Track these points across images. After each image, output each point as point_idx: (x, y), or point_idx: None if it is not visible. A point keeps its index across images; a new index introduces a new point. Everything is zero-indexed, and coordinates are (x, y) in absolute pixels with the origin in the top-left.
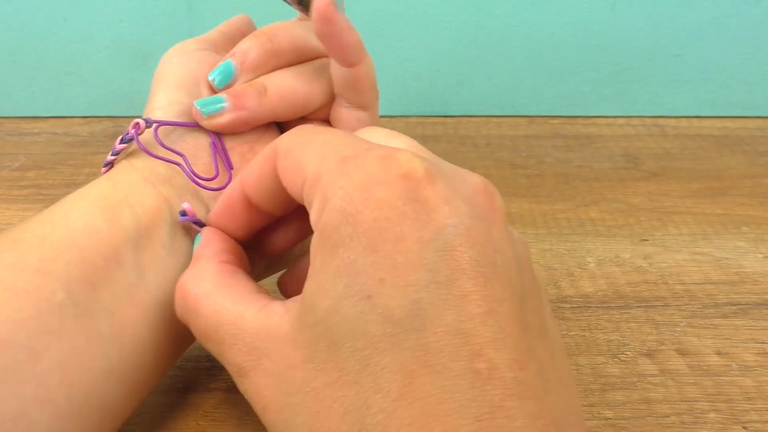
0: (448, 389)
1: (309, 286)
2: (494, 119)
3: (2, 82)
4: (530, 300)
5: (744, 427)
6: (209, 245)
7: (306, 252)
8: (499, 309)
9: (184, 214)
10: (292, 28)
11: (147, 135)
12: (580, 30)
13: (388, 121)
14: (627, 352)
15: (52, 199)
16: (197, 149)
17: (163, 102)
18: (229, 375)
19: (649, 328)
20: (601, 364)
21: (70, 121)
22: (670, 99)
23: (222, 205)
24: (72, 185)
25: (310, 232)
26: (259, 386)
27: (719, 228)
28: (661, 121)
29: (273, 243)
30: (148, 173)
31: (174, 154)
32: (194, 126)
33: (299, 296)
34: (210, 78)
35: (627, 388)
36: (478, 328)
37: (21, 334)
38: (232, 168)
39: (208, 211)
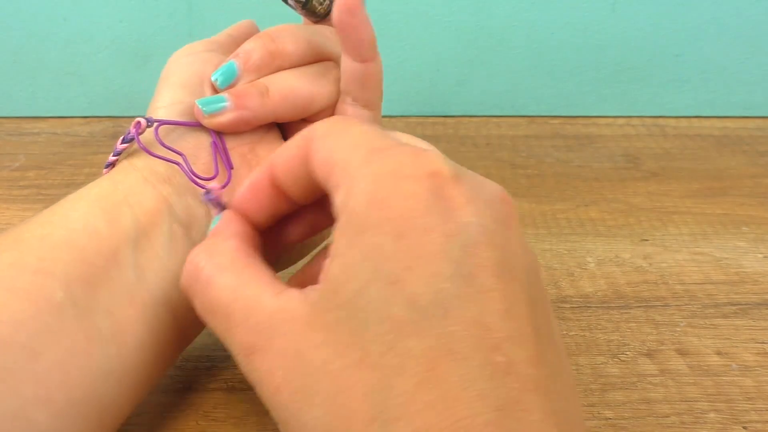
0: (470, 377)
1: (333, 269)
2: (494, 119)
3: (2, 82)
4: (539, 306)
5: (744, 427)
6: (229, 225)
7: (316, 255)
8: (517, 309)
9: (208, 193)
10: (296, 31)
11: (148, 134)
12: (580, 30)
13: (388, 121)
14: (627, 352)
15: (52, 199)
16: (198, 149)
17: (167, 101)
18: (229, 375)
19: (649, 328)
20: (601, 364)
21: (70, 121)
22: (670, 99)
23: (248, 187)
24: (72, 185)
25: (321, 227)
26: (271, 367)
27: (719, 228)
28: (661, 121)
29: (285, 235)
30: (149, 173)
31: (174, 154)
32: (196, 125)
33: (316, 285)
34: (213, 78)
35: (627, 388)
36: (497, 323)
37: (20, 333)
38: (232, 168)
39: (206, 210)
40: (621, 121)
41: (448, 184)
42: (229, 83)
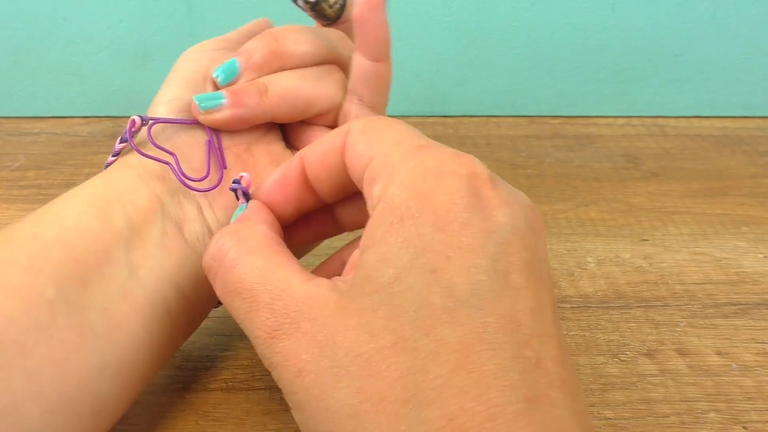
0: (503, 368)
1: (368, 257)
2: (494, 119)
3: (2, 82)
4: (556, 310)
5: (744, 427)
6: (258, 213)
7: (338, 252)
8: (544, 309)
9: (237, 181)
10: (301, 32)
11: (144, 132)
12: (580, 30)
13: None
14: (627, 352)
15: (52, 200)
16: (192, 147)
17: (168, 97)
18: (229, 375)
19: (649, 328)
20: (601, 364)
21: (70, 121)
22: (670, 99)
23: (277, 177)
24: (72, 185)
25: (323, 235)
26: (296, 349)
27: (719, 228)
28: (661, 121)
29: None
30: (143, 171)
31: (165, 153)
32: (191, 123)
33: (343, 276)
34: (214, 75)
35: (627, 388)
36: (527, 320)
37: (11, 329)
38: (225, 168)
39: (199, 208)
40: (621, 121)
41: (486, 185)
42: (230, 80)
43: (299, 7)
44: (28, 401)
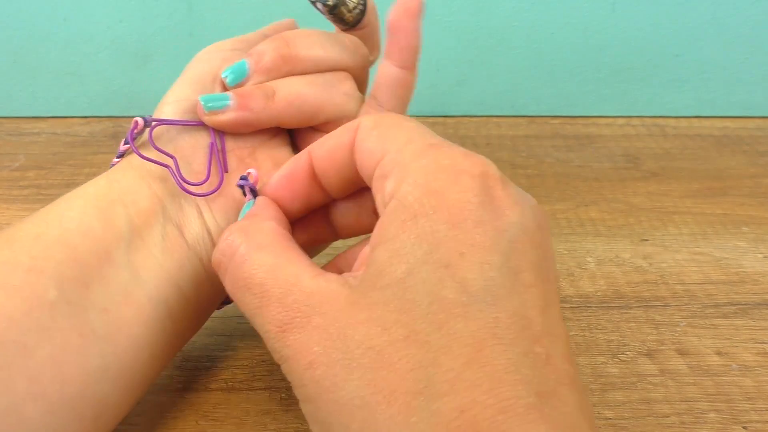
0: (514, 363)
1: (380, 253)
2: (494, 119)
3: (2, 82)
4: (560, 311)
5: (744, 427)
6: (266, 209)
7: (348, 249)
8: (552, 308)
9: (245, 178)
10: (313, 37)
11: (147, 133)
12: (580, 30)
13: None
14: (627, 352)
15: (52, 199)
16: (195, 148)
17: (174, 97)
18: (229, 375)
19: (649, 328)
20: (601, 364)
21: (70, 121)
22: (670, 99)
23: (285, 173)
24: (72, 185)
25: (320, 240)
26: (308, 342)
27: (719, 228)
28: (661, 121)
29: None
30: (145, 172)
31: (165, 157)
32: (195, 125)
33: (354, 272)
34: (223, 75)
35: (627, 388)
36: (538, 317)
37: (12, 330)
38: (226, 171)
39: (198, 211)
40: (621, 121)
41: (498, 185)
42: (239, 82)
43: (318, 9)
44: (29, 402)
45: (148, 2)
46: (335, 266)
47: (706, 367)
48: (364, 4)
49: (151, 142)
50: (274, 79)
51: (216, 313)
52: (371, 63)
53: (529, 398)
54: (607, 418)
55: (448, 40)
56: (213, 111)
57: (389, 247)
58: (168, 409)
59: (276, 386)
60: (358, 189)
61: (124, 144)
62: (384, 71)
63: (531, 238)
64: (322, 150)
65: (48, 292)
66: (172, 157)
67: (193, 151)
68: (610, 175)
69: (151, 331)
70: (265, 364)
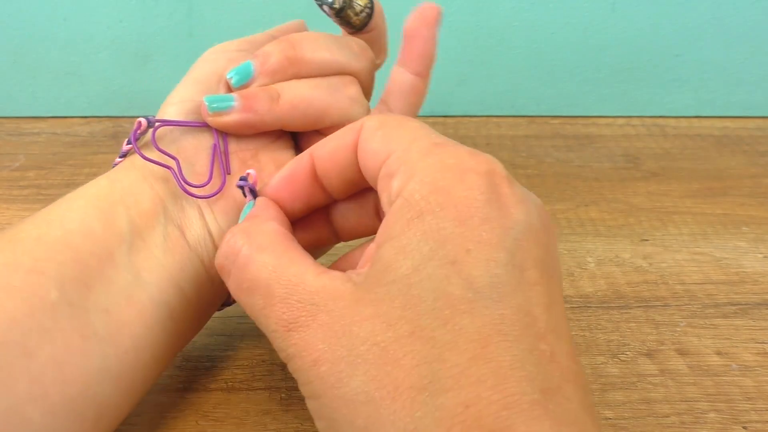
0: (519, 359)
1: (386, 250)
2: (494, 119)
3: (2, 82)
4: (564, 309)
5: (744, 427)
6: (267, 210)
7: (353, 249)
8: (556, 306)
9: (244, 178)
10: (319, 40)
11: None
12: (580, 30)
13: None
14: (627, 352)
15: (52, 199)
16: (198, 149)
17: (179, 98)
18: (229, 375)
19: (649, 328)
20: (601, 364)
21: (70, 121)
22: (670, 99)
23: (286, 174)
24: (72, 185)
25: (321, 243)
26: (313, 340)
27: (719, 228)
28: (661, 121)
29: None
30: (147, 172)
31: (167, 158)
32: (198, 125)
33: (358, 269)
34: (228, 76)
35: (627, 388)
36: (542, 315)
37: (14, 331)
38: (229, 173)
39: (200, 212)
40: (621, 121)
41: (504, 183)
42: (244, 83)
43: (324, 12)
44: (31, 403)
45: (148, 2)
46: (338, 268)
47: (706, 367)
48: (371, 8)
49: (154, 143)
50: (280, 81)
51: (216, 313)
52: (378, 67)
53: (533, 394)
54: (607, 418)
55: (448, 40)
56: (217, 112)
57: (395, 244)
58: (168, 409)
59: (276, 386)
60: (360, 190)
61: (127, 144)
62: (397, 77)
63: (536, 236)
64: (324, 151)
65: (49, 294)
66: (174, 158)
67: (196, 153)
68: (610, 175)
69: (153, 332)
70: (265, 364)
